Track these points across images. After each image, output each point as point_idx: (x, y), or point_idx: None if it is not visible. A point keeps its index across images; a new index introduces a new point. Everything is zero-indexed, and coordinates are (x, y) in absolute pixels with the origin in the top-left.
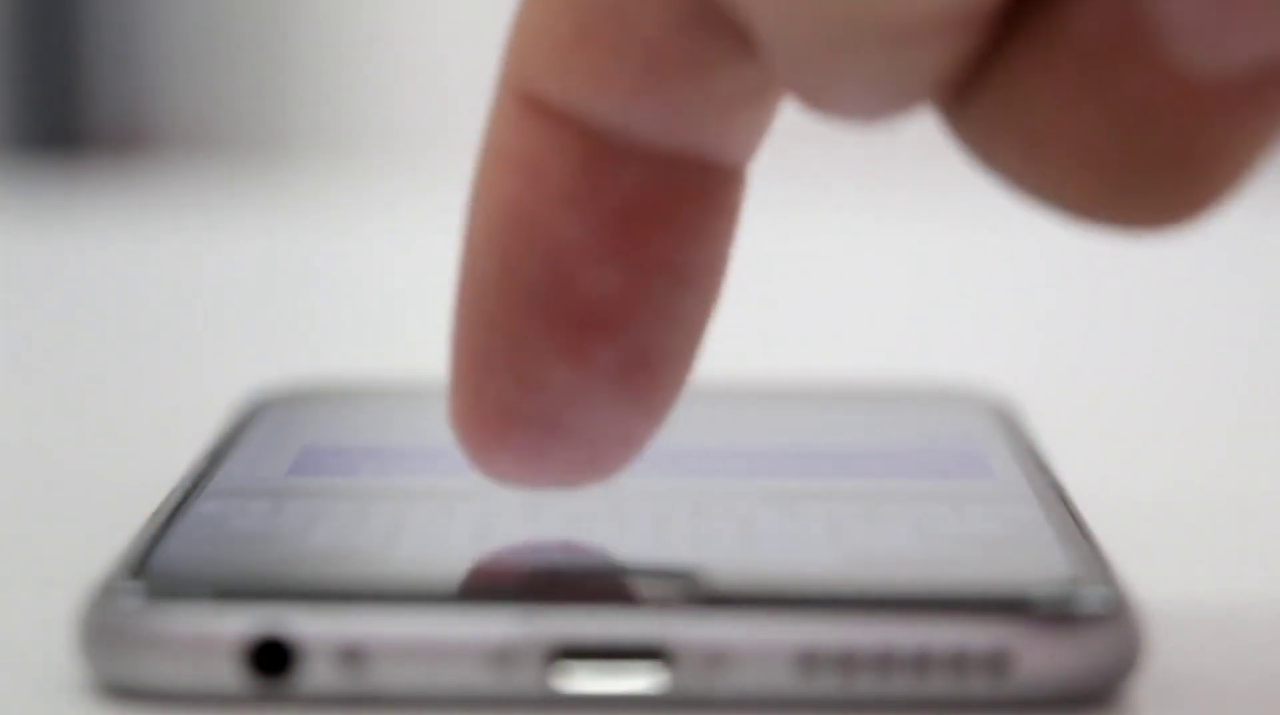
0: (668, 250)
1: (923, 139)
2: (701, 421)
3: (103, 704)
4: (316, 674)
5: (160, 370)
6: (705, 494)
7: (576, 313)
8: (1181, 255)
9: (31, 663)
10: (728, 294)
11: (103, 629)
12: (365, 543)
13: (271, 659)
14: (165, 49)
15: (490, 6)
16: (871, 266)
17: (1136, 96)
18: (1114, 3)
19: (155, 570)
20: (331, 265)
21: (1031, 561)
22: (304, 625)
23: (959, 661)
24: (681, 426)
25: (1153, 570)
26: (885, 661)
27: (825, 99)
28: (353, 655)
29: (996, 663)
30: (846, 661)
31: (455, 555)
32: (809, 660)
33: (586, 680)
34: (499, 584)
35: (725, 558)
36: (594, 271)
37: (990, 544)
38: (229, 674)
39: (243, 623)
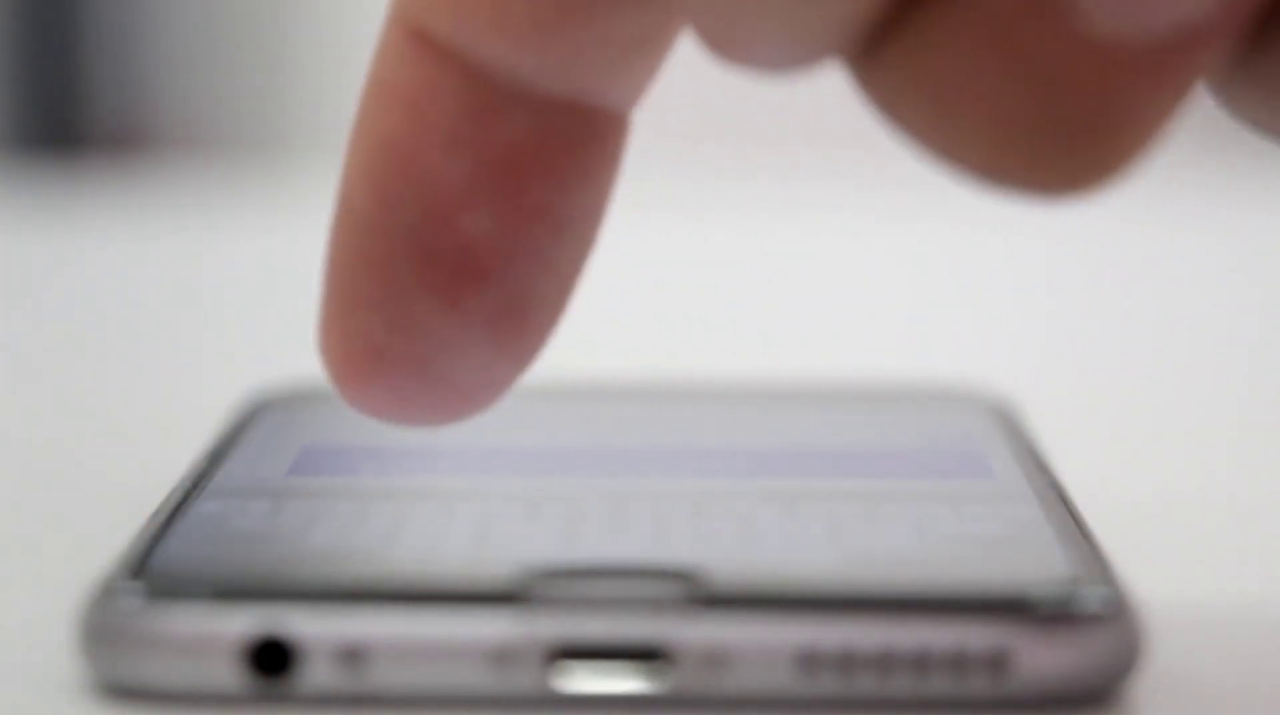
0: (547, 197)
1: None
2: (702, 421)
3: (103, 704)
4: (316, 674)
5: (160, 370)
6: (705, 494)
7: (451, 256)
8: (1182, 255)
9: (31, 663)
10: (727, 294)
11: (103, 629)
12: (365, 543)
13: (271, 659)
14: (165, 49)
15: None
16: (871, 266)
17: (1045, 59)
18: None
19: (155, 570)
20: None
21: (1031, 561)
22: (304, 625)
23: (959, 661)
24: (682, 426)
25: (1153, 570)
26: (885, 661)
27: (733, 48)
28: (353, 655)
29: (996, 663)
30: (846, 661)
31: (455, 555)
32: (809, 660)
33: (586, 680)
34: (499, 584)
35: (725, 558)
36: (471, 215)
37: (990, 544)
38: (229, 674)
39: (243, 623)
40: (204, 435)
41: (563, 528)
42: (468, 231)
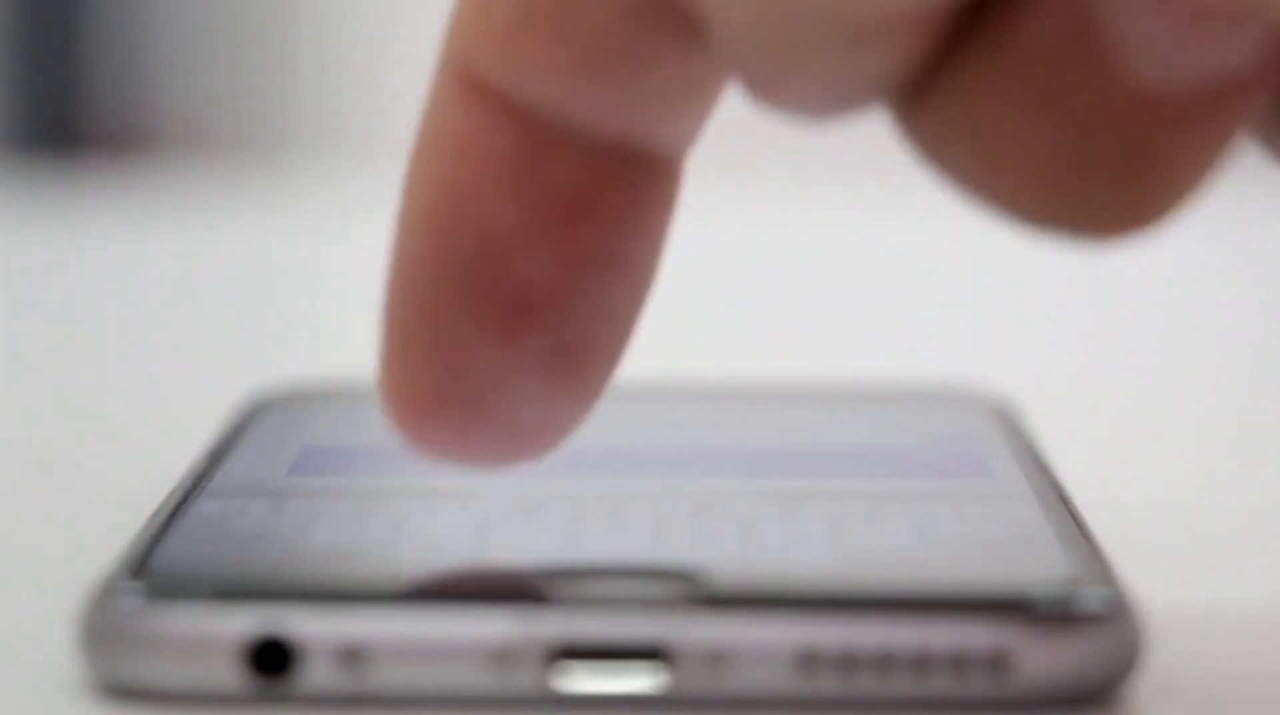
0: (601, 240)
1: None
2: (702, 421)
3: (102, 704)
4: (316, 674)
5: (160, 370)
6: (705, 494)
7: (506, 298)
8: (1182, 256)
9: (31, 663)
10: (727, 294)
11: (102, 629)
12: (365, 543)
13: (271, 659)
14: (165, 49)
15: None
16: (872, 266)
17: (1088, 106)
18: (1069, 12)
19: (155, 570)
20: (331, 265)
21: (1031, 561)
22: (304, 625)
23: (959, 661)
24: (682, 426)
25: (1153, 570)
26: (885, 661)
27: (776, 94)
28: (353, 655)
29: (997, 663)
30: (846, 661)
31: (455, 555)
32: (809, 660)
33: (586, 680)
34: (499, 584)
35: (725, 558)
36: (526, 257)
37: (990, 544)
38: (229, 674)
39: (243, 623)
40: (204, 435)
41: (563, 528)
42: (523, 272)
